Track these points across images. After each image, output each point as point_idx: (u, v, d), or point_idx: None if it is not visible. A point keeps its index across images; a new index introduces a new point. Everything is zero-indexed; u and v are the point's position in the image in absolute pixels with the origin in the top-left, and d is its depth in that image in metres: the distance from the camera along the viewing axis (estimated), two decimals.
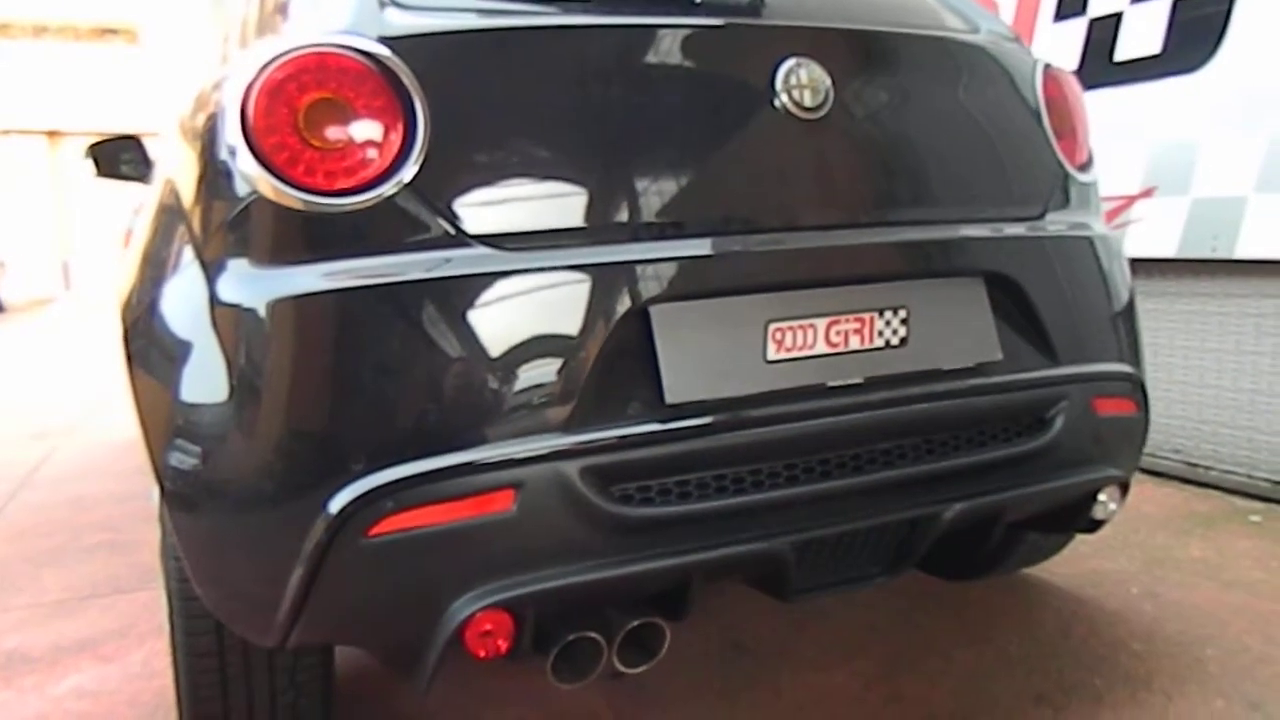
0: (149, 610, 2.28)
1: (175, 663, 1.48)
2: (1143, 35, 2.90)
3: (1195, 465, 2.93)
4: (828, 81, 1.41)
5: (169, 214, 1.42)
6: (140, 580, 2.49)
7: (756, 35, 1.44)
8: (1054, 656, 1.87)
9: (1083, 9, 3.09)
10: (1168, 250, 2.85)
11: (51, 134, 16.30)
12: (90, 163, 3.19)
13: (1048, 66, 1.75)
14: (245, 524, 1.24)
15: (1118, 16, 2.97)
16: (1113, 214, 3.00)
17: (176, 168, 1.43)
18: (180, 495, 1.28)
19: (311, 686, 1.51)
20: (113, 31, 16.70)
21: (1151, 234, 2.90)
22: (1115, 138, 2.99)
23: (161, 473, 1.29)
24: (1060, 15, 3.18)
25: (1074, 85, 1.79)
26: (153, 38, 16.84)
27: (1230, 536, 2.49)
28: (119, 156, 3.16)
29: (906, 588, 2.16)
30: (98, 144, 3.15)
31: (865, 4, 1.63)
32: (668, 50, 1.39)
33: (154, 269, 1.41)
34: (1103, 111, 3.02)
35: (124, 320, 1.46)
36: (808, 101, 1.39)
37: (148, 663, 2.00)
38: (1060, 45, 3.17)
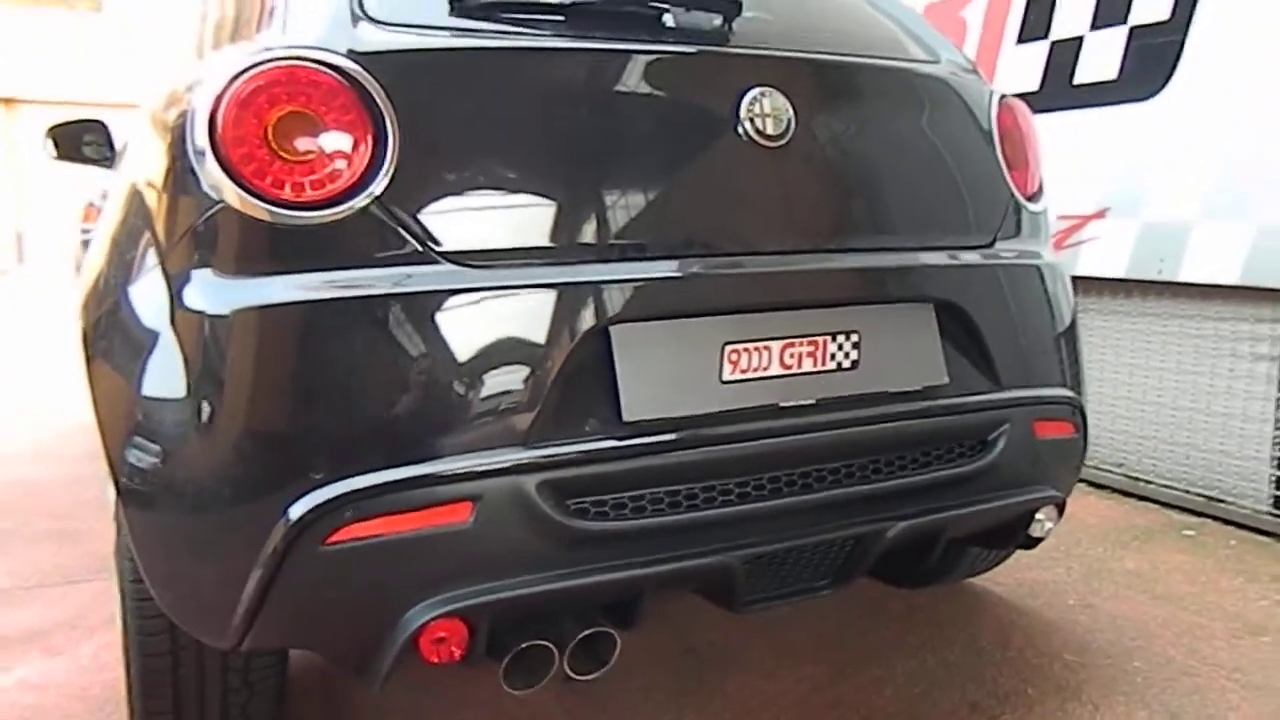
0: (99, 601, 2.27)
1: (127, 660, 1.49)
2: (1101, 61, 2.99)
3: (1136, 479, 3.04)
4: (790, 111, 1.45)
5: (135, 215, 1.42)
6: (90, 570, 2.47)
7: (723, 64, 1.48)
8: (991, 665, 1.94)
9: (1045, 33, 3.17)
10: (1117, 270, 2.94)
11: (7, 101, 15.88)
12: (50, 144, 3.12)
13: (1003, 97, 1.80)
14: (203, 527, 1.26)
15: (1079, 41, 3.06)
16: (1067, 233, 3.09)
17: (145, 167, 1.43)
18: (137, 495, 1.29)
19: (264, 685, 1.52)
20: None
21: (1103, 254, 2.99)
22: (1072, 159, 3.07)
23: (118, 471, 1.30)
24: (1023, 38, 3.25)
25: (1027, 116, 1.85)
26: (116, 4, 16.48)
27: (1164, 550, 2.59)
28: (81, 139, 3.10)
29: (854, 596, 2.22)
30: (59, 125, 3.09)
31: (830, 33, 1.67)
32: (636, 76, 1.42)
33: (118, 270, 1.42)
34: (1061, 133, 3.11)
35: (85, 317, 1.47)
36: (770, 130, 1.43)
37: (97, 655, 2.00)
38: (1023, 68, 3.25)
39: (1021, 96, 3.20)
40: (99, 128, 3.13)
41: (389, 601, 1.23)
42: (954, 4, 3.60)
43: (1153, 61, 2.82)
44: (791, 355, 1.42)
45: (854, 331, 1.47)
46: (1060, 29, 3.12)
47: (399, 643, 1.22)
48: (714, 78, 1.46)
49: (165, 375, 1.26)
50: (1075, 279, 3.17)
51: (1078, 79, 3.05)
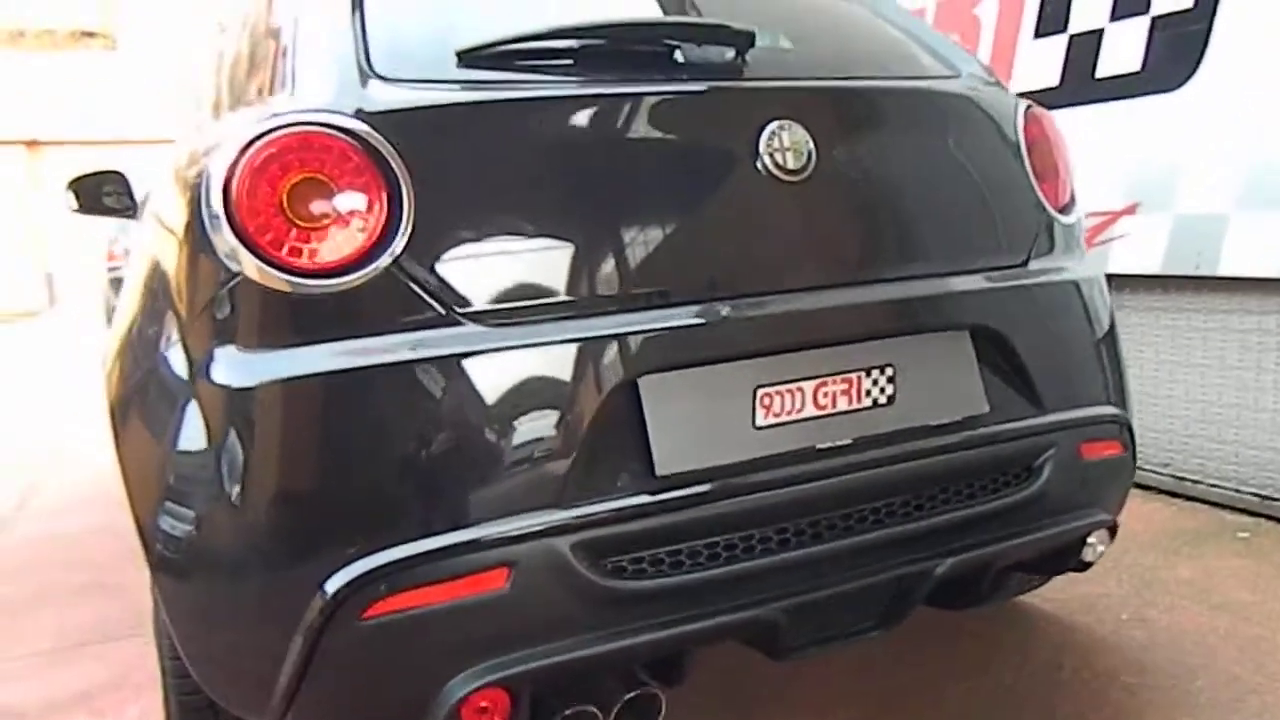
0: (140, 659, 2.26)
1: None
2: (1123, 53, 2.91)
3: (1183, 479, 2.96)
4: (810, 143, 1.41)
5: (156, 285, 1.41)
6: (129, 626, 2.47)
7: (738, 99, 1.45)
8: (1045, 690, 1.89)
9: (1063, 26, 3.10)
10: (1152, 266, 2.87)
11: (30, 144, 16.13)
12: (71, 197, 3.15)
13: (1029, 108, 1.75)
14: (239, 604, 1.24)
15: (1099, 33, 2.99)
16: (1098, 230, 3.02)
17: (163, 236, 1.42)
18: (171, 571, 1.28)
19: None
20: (90, 35, 16.55)
21: (1136, 250, 2.92)
22: (1098, 154, 3.00)
23: (151, 548, 1.29)
24: (1040, 32, 3.19)
25: (1055, 125, 1.79)
26: (131, 40, 16.70)
27: (1218, 555, 2.52)
28: (101, 190, 3.13)
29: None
30: (79, 179, 3.12)
31: (847, 57, 1.64)
32: (649, 118, 1.39)
33: (142, 345, 1.41)
34: (1085, 128, 3.04)
35: (110, 392, 1.46)
36: (791, 164, 1.40)
37: (143, 717, 2.00)
38: (1041, 63, 3.18)
39: (1041, 92, 3.17)
40: (118, 178, 3.16)
41: (430, 674, 1.21)
42: (966, 1, 3.54)
43: (1178, 51, 2.75)
44: (825, 395, 1.39)
45: (888, 365, 1.43)
46: (1079, 22, 3.05)
47: (442, 716, 1.20)
48: (730, 114, 1.43)
49: (193, 451, 1.25)
50: (1109, 277, 3.11)
51: (1100, 72, 2.98)
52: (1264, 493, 2.74)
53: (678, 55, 1.48)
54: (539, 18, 1.44)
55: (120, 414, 1.42)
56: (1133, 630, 2.13)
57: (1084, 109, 3.04)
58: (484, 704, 1.22)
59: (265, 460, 1.21)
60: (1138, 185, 2.90)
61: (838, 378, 1.39)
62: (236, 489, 1.20)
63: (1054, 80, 3.14)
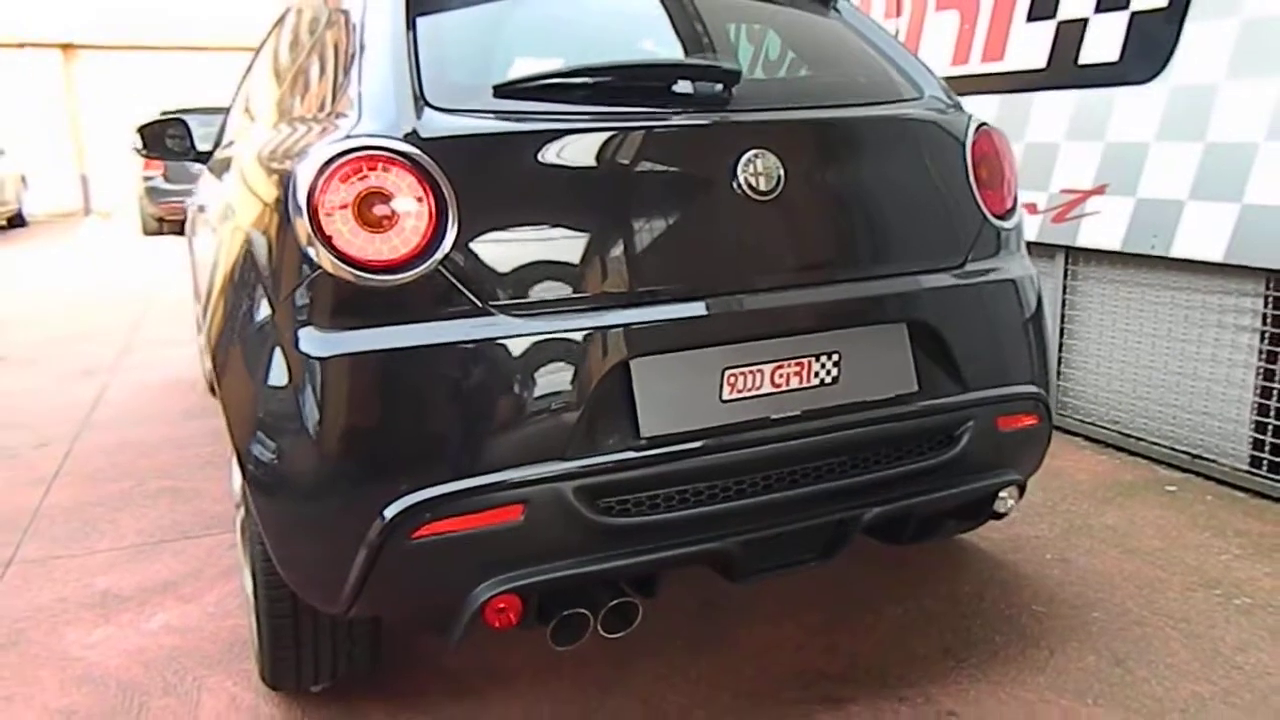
0: (213, 555, 2.69)
1: (258, 618, 1.88)
2: (1104, 42, 3.14)
3: (1129, 436, 3.30)
4: (780, 169, 1.72)
5: (248, 269, 1.76)
6: (202, 527, 2.90)
7: (722, 132, 1.75)
8: (966, 615, 2.27)
9: (1053, 12, 3.31)
10: (1114, 243, 3.15)
11: (66, 48, 16.29)
12: (138, 140, 3.50)
13: (980, 125, 2.03)
14: (319, 526, 1.62)
15: (1084, 23, 3.20)
16: (1070, 206, 3.29)
17: (253, 224, 1.78)
18: (264, 499, 1.66)
19: (364, 638, 1.92)
20: None
21: (1102, 227, 3.20)
22: (1076, 137, 3.26)
23: (247, 477, 1.67)
24: (1033, 16, 3.40)
25: (1003, 140, 2.07)
26: None
27: (1144, 506, 2.87)
28: (165, 134, 3.48)
29: (853, 548, 2.55)
30: (146, 125, 3.48)
31: (821, 86, 1.92)
32: (648, 147, 1.70)
33: (236, 317, 1.77)
34: (1066, 110, 3.29)
35: (214, 358, 1.83)
36: (762, 186, 1.71)
37: (220, 603, 2.42)
38: (1031, 46, 3.40)
39: (1030, 73, 3.41)
40: (180, 125, 3.51)
41: (462, 581, 1.59)
42: None
43: (1152, 46, 2.98)
44: (781, 375, 1.73)
45: (835, 352, 1.77)
46: (1067, 9, 3.26)
47: (469, 612, 1.58)
48: (713, 144, 1.73)
49: (281, 404, 1.61)
50: (1077, 249, 3.42)
51: (1083, 59, 3.21)
52: (1195, 451, 3.08)
53: (676, 88, 1.78)
54: (562, 58, 1.74)
55: (222, 363, 1.79)
56: (1052, 569, 2.50)
57: (1067, 92, 3.29)
58: (502, 606, 1.60)
59: (336, 415, 1.57)
60: (1108, 168, 3.16)
61: (792, 361, 1.73)
62: (314, 436, 1.57)
63: (1041, 63, 3.36)
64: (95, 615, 2.38)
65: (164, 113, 7.93)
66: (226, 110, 3.66)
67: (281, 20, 2.90)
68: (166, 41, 16.38)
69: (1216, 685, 1.97)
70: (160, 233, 11.87)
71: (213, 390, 4.17)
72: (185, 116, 3.64)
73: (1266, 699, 1.92)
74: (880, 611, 2.29)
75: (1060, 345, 3.48)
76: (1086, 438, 3.41)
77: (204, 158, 3.49)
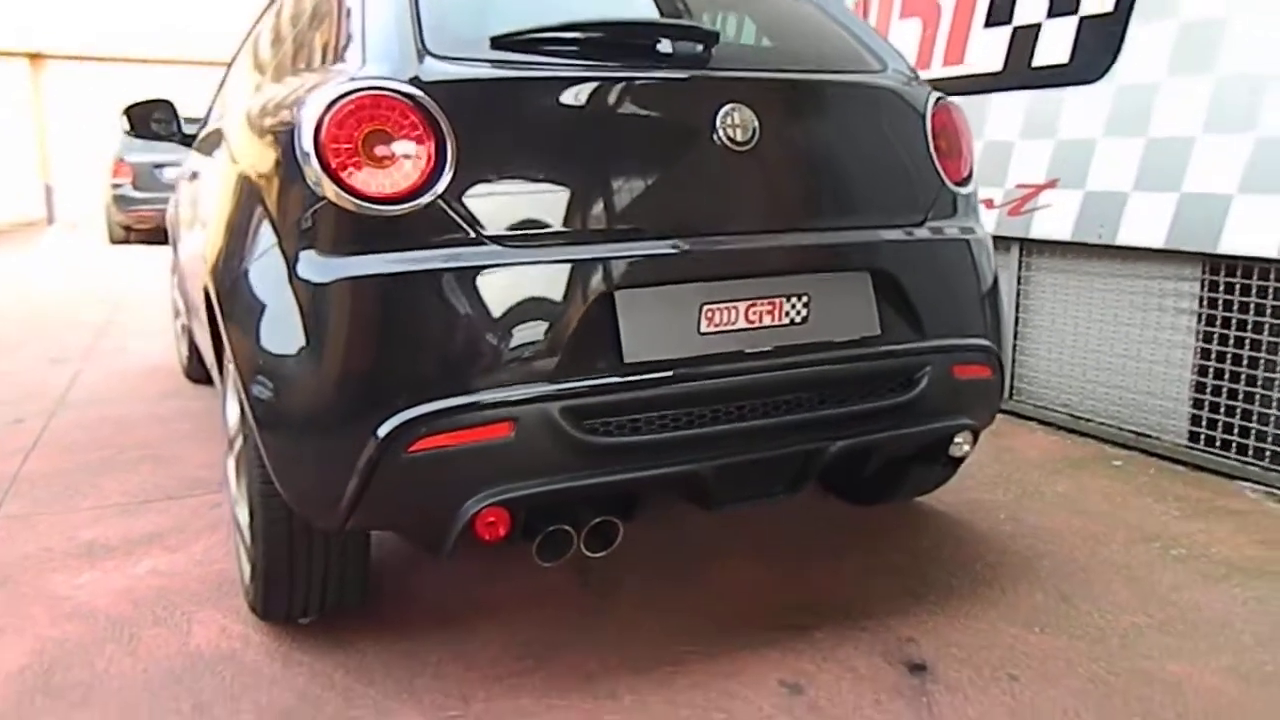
0: (197, 513, 2.75)
1: (252, 540, 1.96)
2: (1056, 45, 3.35)
3: (1079, 418, 3.47)
4: (755, 121, 1.86)
5: (251, 200, 1.87)
6: (184, 489, 2.96)
7: (702, 86, 1.89)
8: (925, 564, 2.40)
9: (1009, 18, 3.52)
10: (1064, 234, 3.34)
11: (34, 57, 16.22)
12: (125, 120, 3.58)
13: (939, 99, 2.20)
14: (318, 442, 1.72)
15: (1037, 28, 3.41)
16: (1024, 200, 3.48)
17: (255, 163, 1.88)
18: (265, 419, 1.75)
19: (356, 558, 2.00)
20: None
21: (1053, 219, 3.38)
22: (1030, 134, 3.45)
23: (249, 399, 1.76)
24: (990, 21, 3.61)
25: (959, 113, 2.24)
26: None
27: (1093, 476, 3.03)
28: (151, 116, 3.56)
29: (821, 512, 2.68)
30: (133, 106, 3.55)
31: (794, 52, 2.08)
32: (634, 97, 1.84)
33: (240, 245, 1.87)
34: (1021, 110, 3.49)
35: (217, 283, 1.93)
36: (739, 138, 1.85)
37: (207, 552, 2.48)
38: (989, 49, 3.61)
39: (987, 76, 3.61)
40: (167, 106, 3.59)
41: (452, 495, 1.69)
42: None
43: (1099, 49, 3.19)
44: (754, 312, 1.85)
45: (805, 294, 1.90)
46: (1022, 15, 3.47)
47: (459, 525, 1.68)
48: (695, 97, 1.87)
49: (285, 327, 1.71)
50: (1030, 241, 3.60)
51: (1036, 61, 3.42)
52: (1139, 430, 3.26)
53: (659, 47, 1.92)
54: (555, 13, 1.87)
55: (226, 299, 1.88)
56: (1006, 526, 2.64)
57: (1022, 93, 3.49)
58: (491, 519, 1.70)
59: (336, 336, 1.67)
60: (1059, 163, 3.35)
61: (764, 301, 1.86)
62: (314, 354, 1.67)
63: (998, 66, 3.57)
64: (81, 562, 2.43)
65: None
66: (213, 98, 3.75)
67: None
68: (136, 54, 16.37)
69: (1153, 618, 2.11)
70: (127, 241, 11.78)
71: (189, 375, 4.26)
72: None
73: (1197, 627, 2.07)
74: (844, 558, 2.41)
75: (1015, 334, 3.66)
76: (1040, 421, 3.58)
77: (189, 141, 3.58)
